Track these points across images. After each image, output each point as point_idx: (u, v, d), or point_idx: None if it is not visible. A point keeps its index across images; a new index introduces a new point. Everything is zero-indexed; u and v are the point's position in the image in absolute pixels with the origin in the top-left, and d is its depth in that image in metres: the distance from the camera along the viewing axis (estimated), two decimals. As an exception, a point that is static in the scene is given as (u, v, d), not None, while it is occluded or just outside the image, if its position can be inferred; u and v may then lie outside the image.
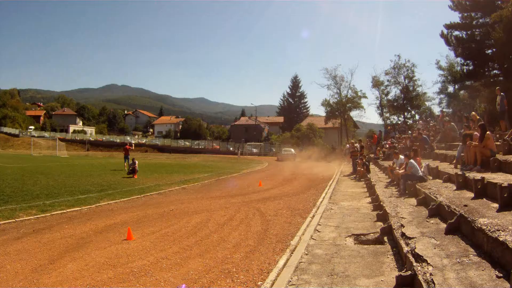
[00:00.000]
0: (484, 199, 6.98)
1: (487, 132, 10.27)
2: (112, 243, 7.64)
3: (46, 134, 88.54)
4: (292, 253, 6.76)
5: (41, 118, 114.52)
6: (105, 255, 6.85)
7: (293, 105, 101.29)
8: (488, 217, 5.49)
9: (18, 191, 14.64)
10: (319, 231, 8.19)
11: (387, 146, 26.12)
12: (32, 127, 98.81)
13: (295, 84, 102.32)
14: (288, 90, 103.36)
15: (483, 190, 7.24)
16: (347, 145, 28.56)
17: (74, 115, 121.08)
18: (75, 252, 7.01)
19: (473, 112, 16.02)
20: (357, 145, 24.83)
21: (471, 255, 4.85)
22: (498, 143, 11.45)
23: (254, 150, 69.75)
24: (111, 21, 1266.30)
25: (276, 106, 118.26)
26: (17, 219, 9.95)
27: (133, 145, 41.74)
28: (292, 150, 53.05)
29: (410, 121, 46.61)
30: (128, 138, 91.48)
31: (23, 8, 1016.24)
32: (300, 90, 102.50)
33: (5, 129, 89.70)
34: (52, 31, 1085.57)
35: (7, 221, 9.74)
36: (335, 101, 54.62)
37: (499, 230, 4.78)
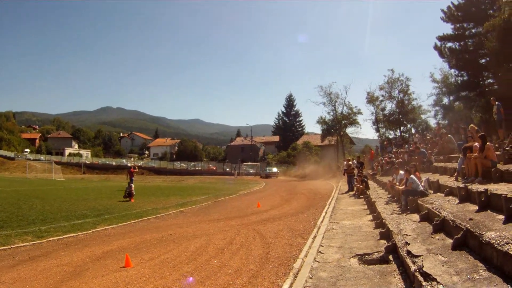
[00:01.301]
0: (489, 211, 6.85)
1: (487, 143, 10.17)
2: (110, 271, 7.40)
3: (42, 157, 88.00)
4: (296, 277, 6.56)
5: (37, 141, 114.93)
6: (103, 284, 6.62)
7: (289, 124, 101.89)
8: (495, 230, 5.36)
9: (14, 216, 14.45)
10: (322, 253, 8.01)
11: (385, 161, 26.03)
12: (28, 150, 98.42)
13: (290, 102, 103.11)
14: (283, 109, 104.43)
15: (487, 202, 7.11)
16: (344, 162, 28.45)
17: (70, 138, 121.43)
18: (72, 281, 6.79)
19: (472, 125, 15.96)
20: (350, 162, 24.73)
21: (481, 271, 4.71)
22: (498, 152, 11.37)
23: (251, 170, 69.54)
24: (105, 44, 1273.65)
25: (271, 126, 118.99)
26: (12, 246, 9.79)
27: (137, 167, 41.74)
28: (274, 169, 61.34)
29: (406, 135, 46.63)
30: (124, 160, 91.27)
31: (18, 30, 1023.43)
32: (295, 109, 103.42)
33: (1, 152, 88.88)
34: (47, 54, 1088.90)
35: (2, 247, 9.59)
36: (331, 118, 54.76)
37: (508, 243, 4.67)
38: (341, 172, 33.08)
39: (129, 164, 75.71)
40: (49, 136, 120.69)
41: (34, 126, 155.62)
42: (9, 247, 9.66)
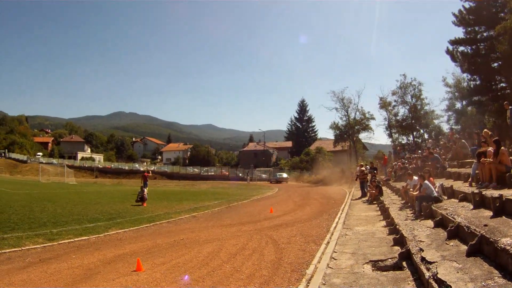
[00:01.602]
0: (504, 217, 6.77)
1: (502, 148, 10.06)
2: (121, 275, 7.41)
3: (55, 160, 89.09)
4: (309, 283, 6.52)
5: (49, 144, 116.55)
6: (114, 287, 6.65)
7: (301, 129, 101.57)
8: (511, 236, 5.30)
9: (25, 219, 14.59)
10: (335, 259, 7.97)
11: (398, 167, 25.87)
12: (40, 153, 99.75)
13: (303, 108, 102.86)
14: (296, 115, 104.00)
15: (502, 208, 7.03)
16: (357, 168, 28.30)
17: (82, 142, 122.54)
18: (83, 284, 6.82)
19: (485, 129, 15.80)
20: (363, 168, 24.63)
21: (496, 277, 4.66)
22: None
23: (264, 176, 69.53)
24: (119, 48, 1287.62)
25: (284, 131, 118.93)
26: (23, 248, 9.87)
27: (151, 172, 42.19)
28: (285, 174, 63.21)
29: (419, 140, 46.30)
30: (137, 165, 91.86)
31: (31, 34, 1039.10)
32: (308, 114, 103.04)
33: (13, 155, 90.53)
34: (61, 59, 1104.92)
35: (13, 249, 9.67)
36: (344, 124, 54.51)
37: (524, 250, 4.60)
38: (354, 178, 32.94)
39: (141, 169, 76.34)
40: (61, 140, 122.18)
41: (47, 130, 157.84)
42: (20, 249, 9.75)
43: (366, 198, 21.44)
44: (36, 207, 18.52)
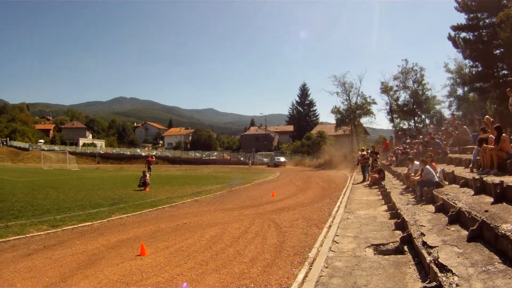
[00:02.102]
0: (504, 203, 6.81)
1: (503, 135, 10.09)
2: (125, 259, 7.53)
3: (56, 147, 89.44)
4: (311, 266, 6.61)
5: (51, 131, 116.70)
6: (118, 272, 6.73)
7: (303, 113, 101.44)
8: (511, 222, 5.34)
9: (28, 206, 14.68)
10: (337, 242, 8.05)
11: (399, 151, 25.89)
12: (42, 140, 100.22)
13: (304, 92, 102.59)
14: (297, 99, 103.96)
15: (503, 194, 7.07)
16: (359, 152, 28.32)
17: (84, 128, 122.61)
18: (87, 269, 6.91)
19: (487, 116, 15.80)
20: (365, 152, 24.69)
21: (496, 263, 4.72)
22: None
23: (265, 160, 69.58)
24: (118, 35, 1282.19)
25: (285, 115, 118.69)
26: (27, 235, 9.98)
27: (154, 157, 42.13)
28: (282, 158, 64.68)
29: (420, 126, 46.19)
30: (139, 150, 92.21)
31: (32, 22, 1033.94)
32: (309, 98, 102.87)
33: (15, 143, 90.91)
34: (60, 45, 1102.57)
35: (17, 237, 9.78)
36: (345, 108, 54.28)
37: (524, 236, 4.66)
38: (355, 162, 32.97)
39: (143, 154, 76.48)
40: (63, 126, 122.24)
41: (48, 117, 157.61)
42: (24, 236, 9.86)
43: (367, 182, 21.52)
44: (39, 194, 18.61)
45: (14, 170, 48.33)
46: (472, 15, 31.92)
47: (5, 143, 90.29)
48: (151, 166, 25.18)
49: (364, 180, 23.07)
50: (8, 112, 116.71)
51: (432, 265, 5.13)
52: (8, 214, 12.79)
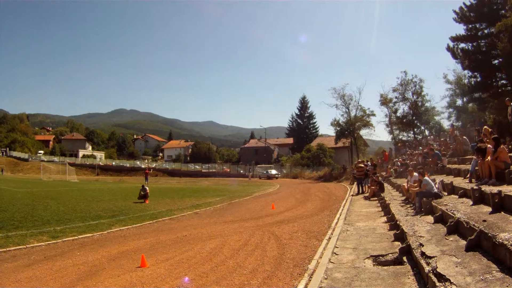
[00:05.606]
0: (502, 212, 6.87)
1: (501, 146, 10.15)
2: (126, 271, 7.54)
3: (56, 158, 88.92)
4: (311, 278, 6.63)
5: (51, 142, 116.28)
6: (119, 283, 6.74)
7: (302, 126, 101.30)
8: (509, 231, 5.39)
9: (29, 217, 14.72)
10: (336, 254, 8.08)
11: (399, 163, 25.94)
12: (42, 151, 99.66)
13: (304, 105, 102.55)
14: (297, 111, 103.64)
15: (501, 204, 7.13)
16: (354, 167, 28.38)
17: (84, 139, 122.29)
18: (88, 280, 6.93)
19: (485, 126, 15.86)
20: (361, 165, 24.75)
21: (494, 272, 4.76)
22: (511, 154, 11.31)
23: (264, 172, 69.30)
24: (119, 46, 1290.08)
25: (285, 128, 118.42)
26: (28, 245, 10.01)
27: (151, 169, 42.32)
28: (274, 171, 65.06)
29: (419, 137, 46.23)
30: (138, 162, 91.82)
31: (32, 32, 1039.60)
32: (309, 111, 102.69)
33: (15, 154, 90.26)
34: (61, 56, 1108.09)
35: (18, 247, 9.80)
36: (344, 121, 54.32)
37: (521, 245, 4.70)
38: (351, 179, 33.07)
39: (143, 166, 76.47)
40: (62, 138, 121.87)
41: (48, 128, 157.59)
42: (25, 246, 9.89)
43: (366, 194, 21.54)
44: (39, 205, 18.65)
45: (13, 180, 48.40)
46: (470, 26, 32.15)
47: (4, 153, 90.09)
48: (148, 177, 25.33)
49: (359, 193, 23.12)
50: (8, 122, 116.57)
51: (431, 274, 5.16)
52: (9, 224, 12.84)
